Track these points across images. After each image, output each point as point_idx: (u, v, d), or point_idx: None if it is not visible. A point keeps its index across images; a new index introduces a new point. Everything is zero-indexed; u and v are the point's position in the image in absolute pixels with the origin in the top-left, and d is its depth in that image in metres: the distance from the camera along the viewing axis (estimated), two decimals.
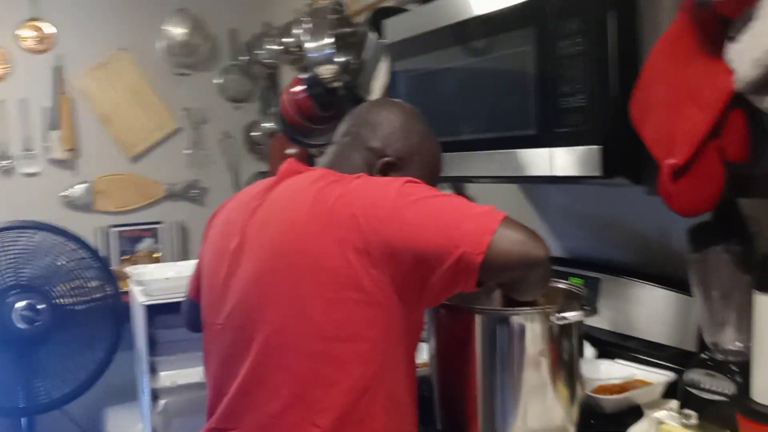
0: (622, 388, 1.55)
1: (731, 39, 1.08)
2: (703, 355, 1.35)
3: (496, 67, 1.56)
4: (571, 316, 1.33)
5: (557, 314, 1.32)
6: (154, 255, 3.63)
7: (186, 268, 2.35)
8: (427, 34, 1.74)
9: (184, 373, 2.07)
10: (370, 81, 2.32)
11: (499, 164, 1.56)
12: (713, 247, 1.32)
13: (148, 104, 3.67)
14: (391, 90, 1.94)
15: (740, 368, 1.28)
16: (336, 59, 2.44)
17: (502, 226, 1.11)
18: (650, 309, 1.64)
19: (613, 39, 1.32)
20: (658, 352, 1.62)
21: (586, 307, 1.35)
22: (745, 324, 1.30)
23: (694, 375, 1.34)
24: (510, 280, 1.26)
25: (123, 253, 3.58)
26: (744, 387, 1.24)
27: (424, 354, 1.56)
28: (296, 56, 3.05)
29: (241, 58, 3.74)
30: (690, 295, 1.53)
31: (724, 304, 1.32)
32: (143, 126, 3.68)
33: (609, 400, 1.48)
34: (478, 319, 1.36)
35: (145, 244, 3.67)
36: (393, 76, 1.92)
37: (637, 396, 1.50)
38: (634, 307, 1.68)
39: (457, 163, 1.67)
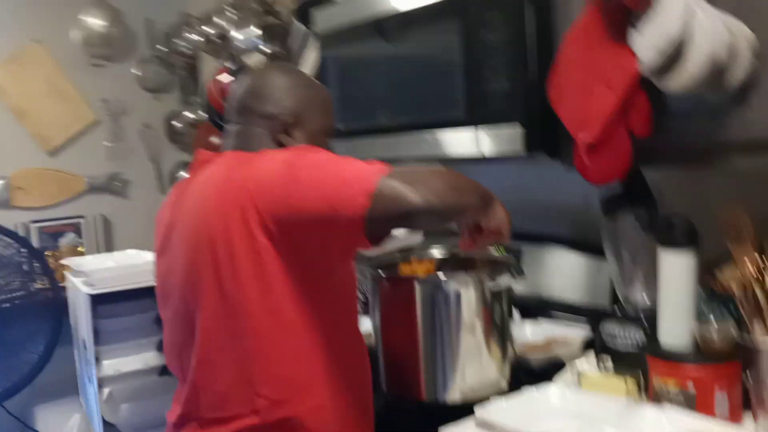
0: (547, 345, 1.71)
1: (636, 27, 1.23)
2: (616, 310, 1.52)
3: (423, 55, 1.68)
4: (502, 281, 1.47)
5: (490, 280, 1.46)
6: (78, 249, 3.59)
7: (126, 257, 2.39)
8: (356, 24, 1.84)
9: (128, 360, 2.11)
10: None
11: (429, 146, 1.68)
12: (623, 213, 1.49)
13: (64, 97, 3.61)
14: (320, 79, 2.03)
15: (648, 318, 1.45)
16: (262, 49, 2.51)
17: (379, 184, 1.13)
18: (568, 273, 1.81)
19: (531, 28, 1.46)
20: (575, 311, 1.79)
21: (514, 273, 1.50)
22: (651, 279, 1.47)
23: (609, 327, 1.51)
24: (404, 228, 1.34)
25: (45, 248, 3.52)
26: (651, 333, 1.42)
27: (368, 324, 1.67)
28: (218, 46, 3.08)
29: (159, 48, 3.73)
30: (604, 258, 1.71)
31: (633, 264, 1.49)
32: (60, 119, 3.61)
33: (537, 356, 1.64)
34: (418, 288, 1.49)
35: (68, 239, 3.62)
36: (322, 65, 2.01)
37: (560, 351, 1.66)
38: (554, 272, 1.85)
39: (388, 146, 1.78)
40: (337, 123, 1.91)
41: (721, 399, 1.28)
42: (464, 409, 1.40)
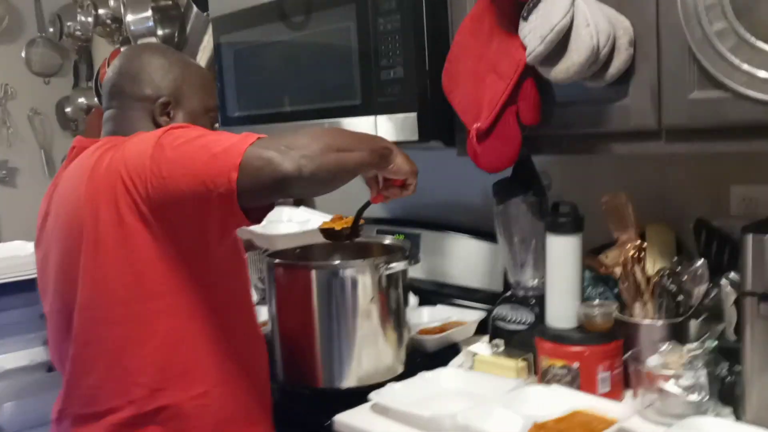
0: (441, 328, 1.74)
1: (524, 18, 1.27)
2: (507, 293, 1.57)
3: (321, 42, 1.67)
4: (396, 266, 1.49)
5: (384, 265, 1.48)
6: None
7: (10, 249, 2.27)
8: (252, 8, 1.81)
9: (13, 356, 2.02)
10: (195, 54, 2.34)
11: None
12: (513, 199, 1.53)
13: None
14: (216, 63, 1.99)
15: (537, 301, 1.50)
16: (158, 32, 2.43)
17: (246, 156, 1.10)
18: (464, 258, 1.85)
19: (426, 16, 1.48)
20: (471, 295, 1.83)
21: (408, 258, 1.52)
22: (540, 264, 1.52)
23: (501, 310, 1.55)
24: (281, 197, 1.28)
25: None
26: (540, 315, 1.47)
27: (264, 313, 1.66)
28: (112, 29, 2.98)
29: (50, 30, 3.56)
30: (496, 243, 1.76)
31: (524, 248, 1.53)
32: None
33: (431, 339, 1.67)
34: (313, 275, 1.48)
35: None
36: (218, 50, 1.97)
37: (454, 334, 1.70)
38: (449, 258, 1.88)
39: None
40: (235, 109, 1.89)
41: (603, 376, 1.34)
42: (360, 395, 1.42)
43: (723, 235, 1.38)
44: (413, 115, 1.49)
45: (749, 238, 1.11)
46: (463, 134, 1.46)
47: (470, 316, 1.77)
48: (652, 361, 1.29)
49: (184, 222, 1.18)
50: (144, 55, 1.36)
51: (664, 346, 1.30)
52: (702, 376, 1.22)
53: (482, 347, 1.57)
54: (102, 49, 3.41)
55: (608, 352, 1.34)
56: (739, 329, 1.22)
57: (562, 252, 1.39)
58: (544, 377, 1.38)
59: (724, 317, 1.30)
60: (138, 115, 1.31)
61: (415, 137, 1.50)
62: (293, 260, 1.60)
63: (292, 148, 1.12)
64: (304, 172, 1.11)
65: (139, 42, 2.55)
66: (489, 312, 1.66)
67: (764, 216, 1.41)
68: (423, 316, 1.81)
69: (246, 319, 1.33)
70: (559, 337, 1.36)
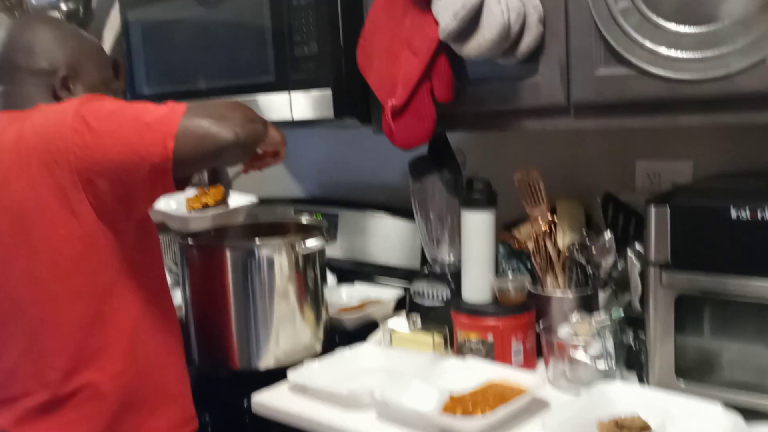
0: (360, 307, 1.75)
1: None
2: (424, 270, 1.58)
3: (233, 17, 1.63)
4: (313, 244, 1.48)
5: (301, 244, 1.46)
6: None
7: None
8: None
9: None
10: (102, 30, 2.25)
11: None
12: (429, 177, 1.54)
13: None
14: (123, 40, 1.92)
15: (453, 276, 1.52)
16: (62, 7, 2.32)
17: (182, 124, 1.10)
18: (382, 236, 1.86)
19: None
20: (390, 273, 1.84)
21: (327, 237, 1.51)
22: (456, 240, 1.55)
23: (418, 286, 1.57)
24: (211, 165, 1.35)
25: None
26: (456, 291, 1.49)
27: (178, 296, 1.62)
28: (12, 3, 2.82)
29: None
30: (410, 220, 1.77)
31: (440, 225, 1.55)
32: None
33: (349, 318, 1.67)
34: (228, 255, 1.46)
35: None
36: (125, 26, 1.90)
37: (373, 312, 1.70)
38: (368, 236, 1.88)
39: None
40: (144, 87, 1.83)
41: (517, 348, 1.37)
42: (279, 375, 1.41)
43: (629, 208, 1.43)
44: (328, 92, 1.48)
45: (652, 210, 1.16)
46: (378, 111, 1.46)
47: (389, 293, 1.78)
48: (563, 332, 1.33)
49: (107, 195, 1.14)
50: (35, 27, 1.28)
51: (574, 317, 1.34)
52: (609, 344, 1.26)
53: (400, 323, 1.58)
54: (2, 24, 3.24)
55: (521, 325, 1.37)
56: (643, 298, 1.27)
57: (477, 227, 1.41)
58: (460, 351, 1.41)
59: (631, 288, 1.36)
60: (36, 90, 1.24)
61: (331, 114, 1.48)
62: (207, 241, 1.57)
63: (223, 117, 1.14)
64: (240, 140, 1.14)
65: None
66: (407, 289, 1.68)
67: (664, 190, 1.48)
68: (342, 295, 1.82)
69: (161, 298, 1.29)
70: (474, 311, 1.39)
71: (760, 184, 1.23)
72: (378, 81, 1.43)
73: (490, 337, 1.36)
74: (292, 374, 1.37)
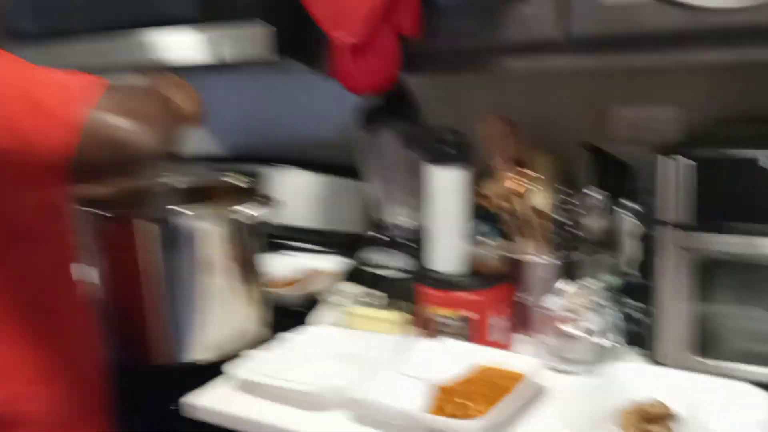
0: (299, 281, 1.52)
1: None
2: (378, 235, 1.37)
3: None
4: (251, 212, 1.24)
5: (235, 212, 1.22)
6: None
7: None
8: None
9: None
10: None
11: (148, 50, 1.35)
12: (383, 128, 1.32)
13: None
14: None
15: (414, 243, 1.32)
16: None
17: (93, 116, 0.84)
18: (318, 197, 1.63)
19: None
20: (328, 239, 1.62)
21: (262, 201, 1.26)
22: (417, 201, 1.34)
23: (372, 255, 1.36)
24: (109, 179, 1.09)
25: None
26: (422, 260, 1.29)
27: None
28: None
29: None
30: (355, 180, 1.55)
31: (397, 183, 1.34)
32: None
33: (289, 294, 1.44)
34: (148, 228, 1.19)
35: None
36: None
37: (314, 285, 1.48)
38: (300, 198, 1.65)
39: (93, 52, 1.41)
40: (29, 22, 1.49)
41: (497, 324, 1.19)
42: (215, 368, 1.17)
43: (616, 160, 1.27)
44: (266, 27, 1.22)
45: (665, 163, 1.00)
46: (326, 51, 1.22)
47: (331, 263, 1.56)
48: (554, 304, 1.16)
49: None
50: None
51: (566, 286, 1.18)
52: (612, 317, 1.11)
53: (353, 298, 1.36)
54: None
55: (502, 297, 1.20)
56: (646, 263, 1.12)
57: (448, 186, 1.21)
58: (430, 329, 1.21)
59: (622, 250, 1.20)
60: None
61: (270, 55, 1.23)
62: (121, 211, 1.27)
63: (144, 115, 0.88)
64: (161, 148, 0.89)
65: None
66: (352, 257, 1.47)
67: (647, 139, 1.33)
68: (273, 267, 1.57)
69: (67, 297, 1.02)
70: (449, 284, 1.20)
71: None
72: (328, 14, 1.18)
73: (467, 313, 1.18)
74: (231, 367, 1.14)
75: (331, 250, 1.59)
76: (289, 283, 1.50)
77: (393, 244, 1.34)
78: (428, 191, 1.24)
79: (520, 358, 1.10)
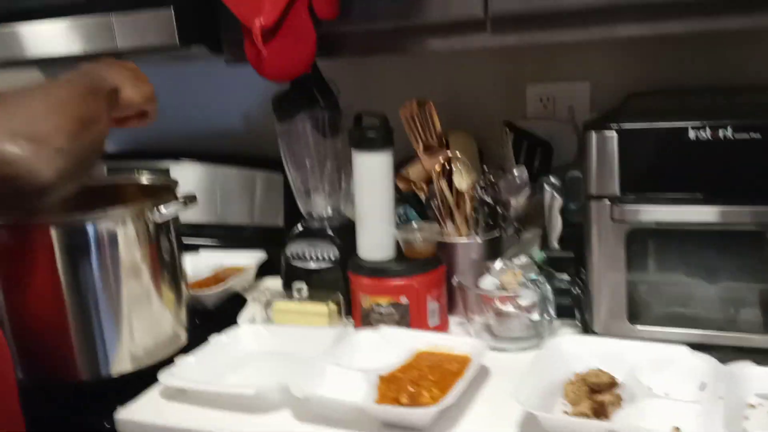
0: (216, 278, 1.46)
1: None
2: (300, 227, 1.33)
3: None
4: (170, 209, 1.16)
5: (155, 210, 1.14)
6: None
7: None
8: None
9: None
10: None
11: (29, 42, 1.24)
12: (299, 115, 1.27)
13: None
14: None
15: (338, 232, 1.29)
16: None
17: None
18: (230, 191, 1.56)
19: None
20: (241, 235, 1.56)
21: (175, 198, 1.19)
22: (336, 189, 1.31)
23: (295, 247, 1.31)
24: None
25: None
26: (345, 248, 1.26)
27: None
28: None
29: None
30: (271, 171, 1.50)
31: (316, 172, 1.30)
32: None
33: (210, 294, 1.37)
34: (55, 234, 1.09)
35: None
36: None
37: (235, 284, 1.42)
38: (212, 192, 1.57)
39: None
40: None
41: (433, 308, 1.18)
42: (141, 379, 1.10)
43: (536, 138, 1.29)
44: (167, 11, 1.14)
45: (593, 136, 1.01)
46: (232, 35, 1.16)
47: (246, 259, 1.50)
48: (486, 283, 1.16)
49: None
50: None
51: (496, 265, 1.18)
52: (545, 292, 1.12)
53: (278, 294, 1.32)
54: None
55: (436, 281, 1.19)
56: (571, 237, 1.15)
57: (373, 172, 1.18)
58: (366, 319, 1.19)
59: (548, 226, 1.22)
60: None
61: (173, 41, 1.15)
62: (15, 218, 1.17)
63: (40, 137, 0.74)
64: (66, 173, 0.76)
65: None
66: (273, 251, 1.43)
67: (562, 116, 1.36)
68: (189, 268, 1.49)
69: None
70: (381, 271, 1.17)
71: (701, 101, 1.13)
72: None
73: (403, 300, 1.16)
74: (163, 376, 1.07)
75: (249, 246, 1.53)
76: (208, 282, 1.44)
77: (316, 234, 1.30)
78: (356, 178, 1.20)
79: (461, 340, 1.10)
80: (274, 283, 1.45)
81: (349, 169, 1.24)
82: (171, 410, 1.04)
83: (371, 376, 1.01)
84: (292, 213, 1.41)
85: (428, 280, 1.17)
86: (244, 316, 1.33)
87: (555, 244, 1.21)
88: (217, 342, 1.18)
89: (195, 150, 1.61)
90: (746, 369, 0.94)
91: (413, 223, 1.23)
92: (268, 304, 1.29)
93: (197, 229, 1.58)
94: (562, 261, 1.19)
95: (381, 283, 1.17)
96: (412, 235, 1.19)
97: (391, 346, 1.10)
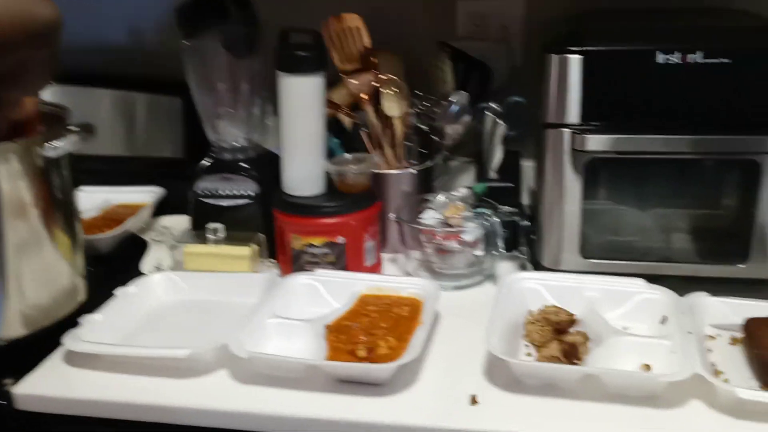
0: (106, 219, 1.28)
1: None
2: (210, 159, 1.17)
3: None
4: (64, 142, 0.97)
5: (47, 143, 0.95)
6: None
7: None
8: None
9: None
10: None
11: None
12: (209, 31, 1.10)
13: None
14: None
15: (256, 165, 1.15)
16: None
17: None
18: (115, 118, 1.36)
19: None
20: (132, 168, 1.37)
21: (76, 129, 1.00)
22: (254, 117, 1.16)
23: (205, 183, 1.16)
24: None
25: None
26: (266, 183, 1.13)
27: None
28: None
29: None
30: (167, 95, 1.32)
31: (230, 97, 1.14)
32: None
33: (105, 238, 1.20)
34: None
35: None
36: None
37: (131, 224, 1.25)
38: (93, 119, 1.36)
39: None
40: None
41: (369, 246, 1.09)
42: (38, 344, 0.94)
43: (473, 60, 1.19)
44: None
45: (554, 60, 0.93)
46: None
47: (139, 196, 1.33)
48: (428, 218, 1.08)
49: None
50: None
51: (437, 198, 1.10)
52: (492, 225, 1.05)
53: (184, 236, 1.17)
54: None
55: (372, 217, 1.09)
56: (513, 166, 1.08)
57: (304, 98, 1.05)
58: (297, 261, 1.08)
59: (485, 154, 1.15)
60: None
61: None
62: None
63: None
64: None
65: None
66: (168, 187, 1.27)
67: (495, 36, 1.27)
68: (81, 208, 1.30)
69: None
70: (315, 208, 1.06)
71: (653, 24, 1.06)
72: None
73: (340, 239, 1.05)
74: (68, 341, 0.91)
75: (141, 181, 1.34)
76: (97, 224, 1.25)
77: (229, 168, 1.15)
78: (284, 104, 1.06)
79: (409, 281, 1.01)
80: (174, 222, 1.29)
81: (268, 93, 1.10)
82: (81, 380, 0.89)
83: (317, 326, 0.91)
84: (194, 143, 1.25)
85: (365, 217, 1.07)
86: (148, 263, 1.17)
87: (493, 174, 1.15)
88: (125, 295, 1.02)
89: (73, 71, 1.38)
90: (702, 300, 0.93)
91: (346, 154, 1.12)
92: (174, 248, 1.15)
93: (77, 162, 1.37)
94: (502, 192, 1.13)
95: (315, 221, 1.05)
96: (346, 167, 1.07)
97: (331, 290, 1.00)
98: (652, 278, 0.95)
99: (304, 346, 0.89)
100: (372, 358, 0.86)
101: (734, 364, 0.85)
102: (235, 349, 0.85)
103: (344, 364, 0.84)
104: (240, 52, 1.11)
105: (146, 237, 1.26)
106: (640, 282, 0.95)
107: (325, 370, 0.85)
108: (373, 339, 0.88)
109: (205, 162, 1.17)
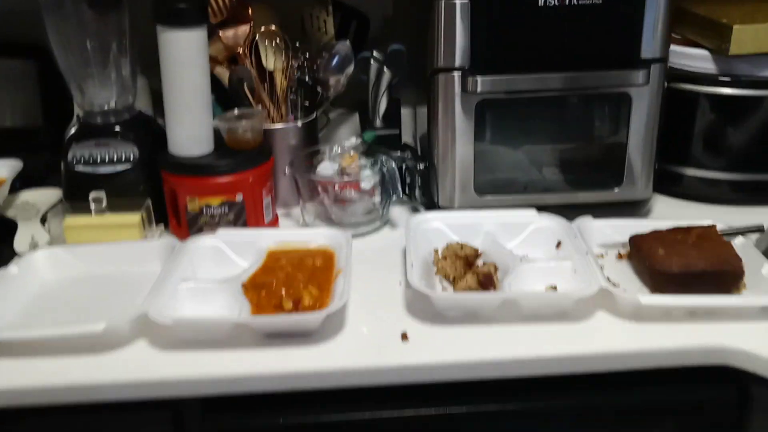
0: None
1: None
2: (78, 125, 1.09)
3: None
4: None
5: None
6: None
7: None
8: None
9: None
10: None
11: None
12: None
13: None
14: None
15: (129, 127, 1.08)
16: None
17: None
18: None
19: None
20: None
21: None
22: (123, 76, 1.09)
23: (79, 150, 1.07)
24: None
25: None
26: (146, 145, 1.07)
27: None
28: None
29: None
30: (20, 59, 1.20)
31: (96, 57, 1.06)
32: None
33: None
34: None
35: None
36: None
37: None
38: None
39: None
40: None
41: (267, 202, 1.07)
42: None
43: (350, 9, 1.19)
44: None
45: (441, 5, 0.96)
46: None
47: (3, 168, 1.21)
48: (324, 169, 1.08)
49: None
50: None
51: (329, 149, 1.10)
52: (390, 171, 1.07)
53: (57, 211, 1.08)
54: None
55: (267, 173, 1.07)
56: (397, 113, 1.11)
57: (188, 53, 1.00)
58: (194, 224, 1.04)
59: (371, 103, 1.16)
60: None
61: None
62: None
63: None
64: None
65: None
66: (24, 159, 1.17)
67: None
68: None
69: None
70: (209, 168, 1.02)
71: None
72: None
73: (239, 197, 1.03)
74: None
75: (1, 153, 1.22)
76: None
77: (104, 133, 1.07)
78: (166, 61, 1.01)
79: (316, 232, 1.01)
80: (38, 195, 1.19)
81: (140, 51, 1.04)
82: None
83: (232, 285, 0.89)
84: (53, 110, 1.16)
85: (262, 173, 1.05)
86: (21, 242, 1.07)
87: (379, 122, 1.17)
88: (7, 276, 0.94)
89: None
90: (588, 223, 1.02)
91: (235, 109, 1.08)
92: (45, 221, 1.06)
93: None
94: (389, 139, 1.15)
95: (211, 181, 1.02)
96: (236, 123, 1.04)
97: (237, 250, 0.98)
98: (541, 208, 1.03)
99: (221, 307, 0.87)
100: (299, 309, 0.86)
101: (625, 276, 0.95)
102: (157, 317, 0.81)
103: (274, 318, 0.84)
104: (104, 6, 1.04)
105: (10, 215, 1.15)
106: (532, 212, 1.02)
107: (254, 326, 0.84)
108: (295, 291, 0.88)
109: (73, 128, 1.09)
